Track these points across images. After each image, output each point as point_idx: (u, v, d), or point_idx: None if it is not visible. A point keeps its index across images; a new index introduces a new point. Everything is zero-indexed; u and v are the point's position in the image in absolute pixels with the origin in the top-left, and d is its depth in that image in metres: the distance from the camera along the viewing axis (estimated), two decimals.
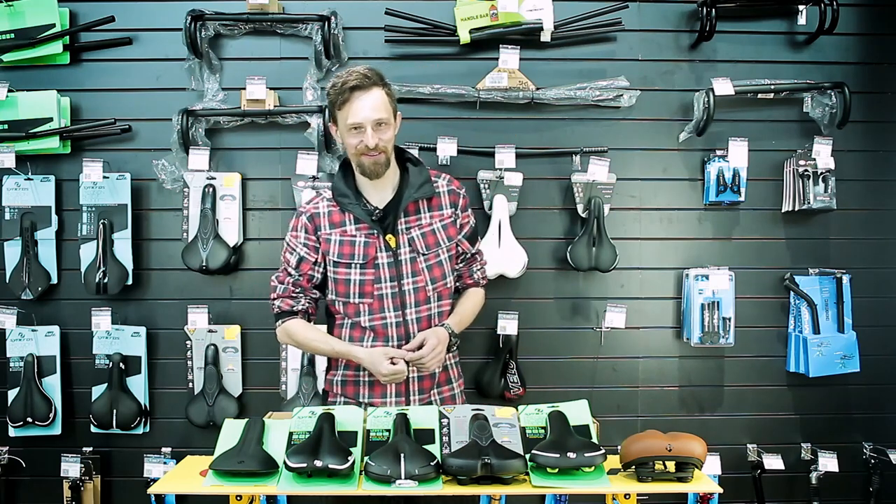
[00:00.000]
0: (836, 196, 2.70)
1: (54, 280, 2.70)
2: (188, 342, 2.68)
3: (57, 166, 2.71)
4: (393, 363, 1.94)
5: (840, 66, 2.78)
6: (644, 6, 2.76)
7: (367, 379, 2.06)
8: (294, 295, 2.08)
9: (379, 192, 2.07)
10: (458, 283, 2.19)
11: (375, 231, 2.02)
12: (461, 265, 2.17)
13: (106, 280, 2.62)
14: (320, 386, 2.63)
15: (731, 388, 2.79)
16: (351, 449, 1.74)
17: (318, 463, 1.65)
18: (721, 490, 1.86)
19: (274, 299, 2.10)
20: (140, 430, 2.69)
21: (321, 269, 2.07)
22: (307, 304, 2.09)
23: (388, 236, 2.03)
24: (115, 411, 2.63)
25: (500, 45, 2.65)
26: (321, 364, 2.65)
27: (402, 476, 1.63)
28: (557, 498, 2.58)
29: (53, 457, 2.67)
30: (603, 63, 2.75)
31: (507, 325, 2.64)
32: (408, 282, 2.03)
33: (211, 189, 2.65)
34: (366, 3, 2.71)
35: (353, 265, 2.02)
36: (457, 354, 2.19)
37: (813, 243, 2.80)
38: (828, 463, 2.71)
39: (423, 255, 2.05)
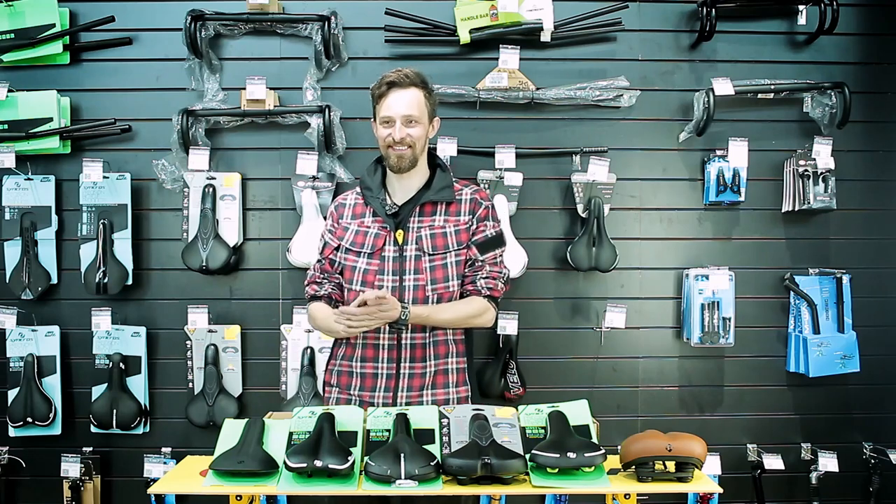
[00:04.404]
0: (836, 196, 2.70)
1: (54, 280, 2.70)
2: (188, 342, 2.68)
3: (57, 166, 2.71)
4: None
5: (840, 66, 2.78)
6: (644, 6, 2.76)
7: (359, 371, 2.10)
8: (319, 280, 2.18)
9: (403, 190, 2.13)
10: (462, 289, 2.14)
11: (388, 225, 2.08)
12: (468, 270, 2.13)
13: (106, 280, 2.62)
14: (320, 386, 2.63)
15: (731, 388, 2.79)
16: (351, 449, 1.74)
17: (318, 463, 1.65)
18: (721, 490, 1.86)
19: (305, 286, 2.21)
20: (140, 430, 2.69)
21: (340, 254, 2.14)
22: (331, 290, 2.16)
23: (398, 231, 2.07)
24: (115, 411, 2.63)
25: (500, 45, 2.65)
26: (321, 364, 2.65)
27: (402, 476, 1.63)
28: (557, 498, 2.58)
29: (53, 457, 2.67)
30: (603, 63, 2.75)
31: (507, 325, 2.64)
32: (409, 278, 2.05)
33: (211, 189, 2.65)
34: (366, 3, 2.71)
35: (361, 254, 2.09)
36: (464, 360, 2.16)
37: (813, 243, 2.80)
38: (828, 463, 2.71)
39: (429, 255, 2.06)
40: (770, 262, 2.79)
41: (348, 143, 2.68)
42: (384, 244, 2.07)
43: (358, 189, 2.19)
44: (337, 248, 2.14)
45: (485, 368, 2.69)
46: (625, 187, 2.75)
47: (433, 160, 2.19)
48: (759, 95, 2.73)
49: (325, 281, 2.16)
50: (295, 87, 2.70)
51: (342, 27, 2.68)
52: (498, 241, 2.16)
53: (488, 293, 2.11)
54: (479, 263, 2.13)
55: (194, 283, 2.72)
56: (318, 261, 2.19)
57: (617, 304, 2.70)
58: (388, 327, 2.03)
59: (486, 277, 2.12)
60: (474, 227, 2.12)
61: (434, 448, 1.78)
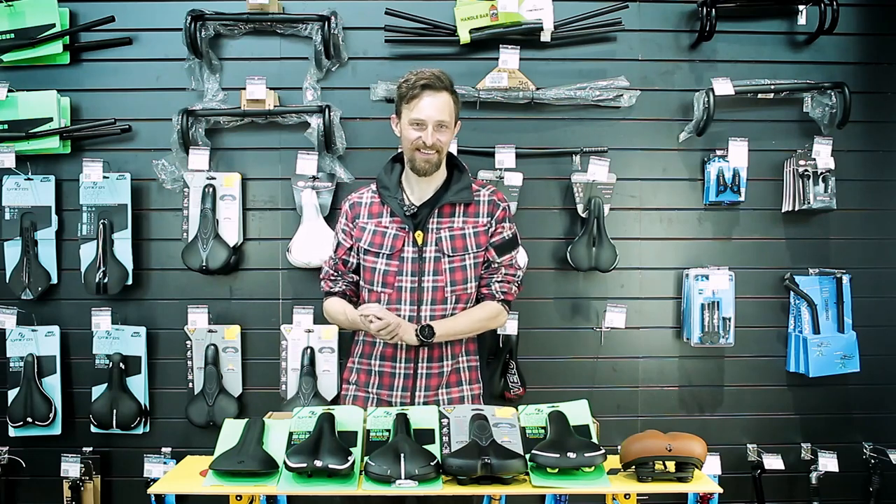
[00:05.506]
0: (836, 196, 2.70)
1: (54, 280, 2.69)
2: (188, 342, 2.68)
3: (57, 166, 2.71)
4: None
5: (840, 66, 2.78)
6: (644, 6, 2.76)
7: (377, 369, 2.12)
8: (333, 277, 2.23)
9: (421, 190, 2.13)
10: (477, 292, 2.17)
11: (406, 226, 2.09)
12: (484, 272, 2.16)
13: (106, 280, 2.62)
14: (320, 386, 2.64)
15: (731, 388, 2.79)
16: (351, 449, 1.75)
17: (318, 463, 1.65)
18: (721, 490, 1.86)
19: (320, 280, 2.27)
20: (140, 430, 2.69)
21: (355, 255, 2.17)
22: (345, 287, 2.21)
23: (418, 233, 2.08)
24: (115, 411, 2.63)
25: (500, 45, 2.65)
26: (321, 364, 2.65)
27: (402, 476, 1.64)
28: (557, 498, 2.58)
29: (53, 457, 2.67)
30: (603, 63, 2.75)
31: (507, 325, 2.63)
32: (428, 279, 2.07)
33: (211, 189, 2.65)
34: (366, 3, 2.71)
35: (380, 255, 2.10)
36: (475, 359, 2.20)
37: (813, 243, 2.80)
38: (828, 463, 2.71)
39: (449, 256, 2.08)
40: (770, 262, 2.79)
41: (348, 143, 2.68)
42: (403, 245, 2.08)
43: (373, 187, 2.18)
44: (351, 249, 2.16)
45: (485, 368, 2.69)
46: (625, 187, 2.75)
47: (450, 160, 2.19)
48: (759, 95, 2.73)
49: (339, 278, 2.20)
50: (295, 87, 2.70)
51: (342, 27, 2.68)
52: (514, 242, 2.19)
53: (502, 297, 2.16)
54: (496, 266, 2.15)
55: (194, 283, 2.72)
56: (332, 258, 2.21)
57: (617, 304, 2.70)
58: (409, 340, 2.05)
59: (502, 281, 2.16)
60: (493, 228, 2.13)
61: (434, 448, 1.78)
